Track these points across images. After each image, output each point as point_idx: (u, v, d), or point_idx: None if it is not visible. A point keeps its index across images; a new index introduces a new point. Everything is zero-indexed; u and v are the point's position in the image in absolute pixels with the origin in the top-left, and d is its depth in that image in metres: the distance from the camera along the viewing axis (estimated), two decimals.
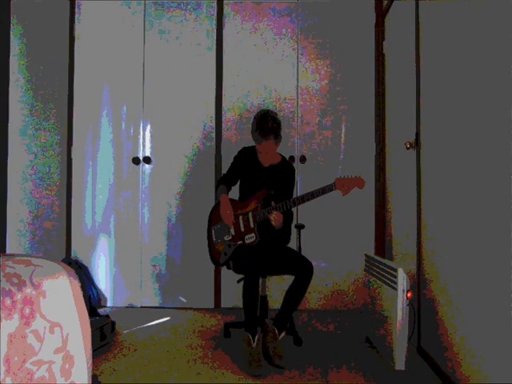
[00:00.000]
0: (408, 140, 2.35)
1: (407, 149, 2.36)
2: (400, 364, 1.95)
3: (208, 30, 3.24)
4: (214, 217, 2.48)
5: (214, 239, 2.44)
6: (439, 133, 2.01)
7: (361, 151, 3.14)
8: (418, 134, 2.28)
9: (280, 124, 2.36)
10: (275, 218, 2.25)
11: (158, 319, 2.91)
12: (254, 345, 2.14)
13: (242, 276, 2.36)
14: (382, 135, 3.11)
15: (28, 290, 0.88)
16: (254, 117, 2.40)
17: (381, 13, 3.13)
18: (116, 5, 3.27)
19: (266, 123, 2.31)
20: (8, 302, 0.82)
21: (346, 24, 3.18)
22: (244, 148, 2.55)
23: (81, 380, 0.99)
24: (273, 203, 2.30)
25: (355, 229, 3.12)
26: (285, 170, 2.49)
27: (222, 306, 3.16)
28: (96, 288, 3.20)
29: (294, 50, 3.20)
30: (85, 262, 3.24)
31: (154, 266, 3.22)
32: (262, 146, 2.36)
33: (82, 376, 0.99)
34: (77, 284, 1.03)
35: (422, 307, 2.24)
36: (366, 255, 2.51)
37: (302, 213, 3.05)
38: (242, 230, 2.36)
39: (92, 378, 1.05)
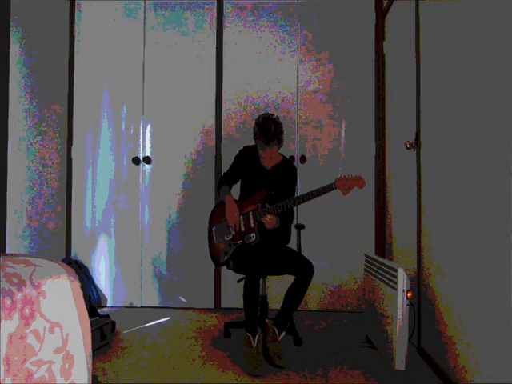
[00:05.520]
0: (408, 140, 2.35)
1: (407, 149, 2.35)
2: (400, 364, 1.95)
3: (208, 29, 3.24)
4: (215, 216, 2.47)
5: (215, 239, 2.44)
6: (439, 133, 2.01)
7: (361, 151, 3.14)
8: (417, 134, 2.28)
9: (282, 127, 2.34)
10: (267, 222, 2.26)
11: (158, 319, 2.91)
12: (254, 345, 2.14)
13: (242, 276, 2.36)
14: (382, 135, 3.11)
15: (28, 290, 0.88)
16: (256, 123, 2.35)
17: (381, 13, 3.13)
18: (116, 5, 3.27)
19: (269, 129, 2.27)
20: (8, 302, 0.82)
21: (346, 24, 3.18)
22: (245, 147, 2.52)
23: (81, 380, 0.99)
24: (267, 205, 2.30)
25: (355, 229, 3.12)
26: (286, 169, 2.48)
27: (222, 306, 3.16)
28: (96, 288, 3.20)
29: (293, 49, 3.20)
30: (85, 262, 3.24)
31: (154, 265, 3.23)
32: (266, 153, 2.33)
33: (82, 376, 0.99)
34: (77, 284, 1.03)
35: (422, 307, 2.24)
36: (365, 255, 2.51)
37: (301, 213, 3.05)
38: (243, 229, 2.35)
39: (92, 378, 1.05)
